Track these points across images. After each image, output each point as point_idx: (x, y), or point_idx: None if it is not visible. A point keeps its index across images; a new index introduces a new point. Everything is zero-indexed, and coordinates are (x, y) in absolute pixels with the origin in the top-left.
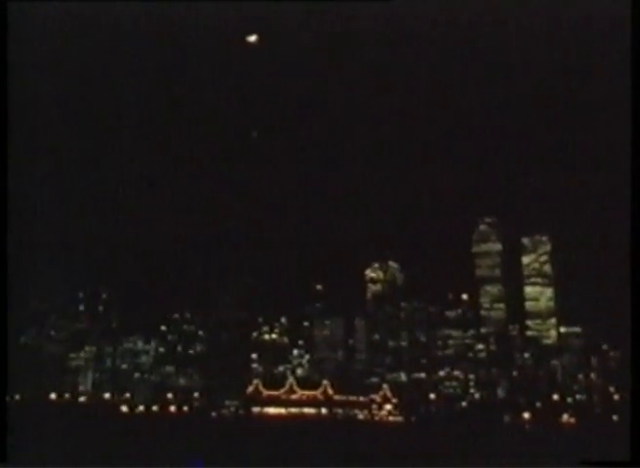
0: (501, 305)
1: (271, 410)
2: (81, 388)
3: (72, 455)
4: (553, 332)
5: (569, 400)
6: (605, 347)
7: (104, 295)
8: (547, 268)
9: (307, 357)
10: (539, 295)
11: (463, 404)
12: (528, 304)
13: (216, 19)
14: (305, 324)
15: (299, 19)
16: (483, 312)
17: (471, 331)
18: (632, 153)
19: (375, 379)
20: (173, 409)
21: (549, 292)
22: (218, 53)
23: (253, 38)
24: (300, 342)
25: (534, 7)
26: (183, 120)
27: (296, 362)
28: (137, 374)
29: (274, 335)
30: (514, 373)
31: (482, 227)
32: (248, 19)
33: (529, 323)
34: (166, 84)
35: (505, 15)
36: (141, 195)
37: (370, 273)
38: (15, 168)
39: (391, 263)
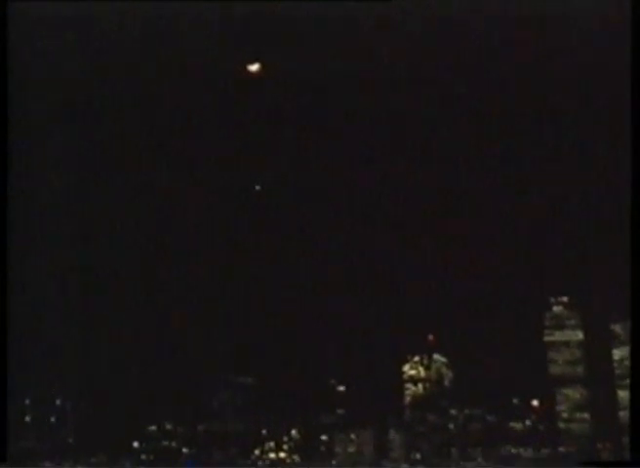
0: (586, 415)
1: None
2: None
3: None
4: None
5: None
6: None
7: (58, 401)
8: None
9: None
10: None
11: None
12: (622, 414)
13: (215, 45)
14: (323, 438)
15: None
16: (561, 424)
17: (546, 451)
18: None
19: None
20: None
21: None
22: (216, 83)
23: (255, 67)
24: (317, 463)
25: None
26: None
27: None
28: None
29: (282, 454)
30: None
31: (557, 309)
32: (250, 47)
33: (625, 440)
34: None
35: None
36: (108, 258)
37: (408, 370)
38: None
39: (437, 357)
